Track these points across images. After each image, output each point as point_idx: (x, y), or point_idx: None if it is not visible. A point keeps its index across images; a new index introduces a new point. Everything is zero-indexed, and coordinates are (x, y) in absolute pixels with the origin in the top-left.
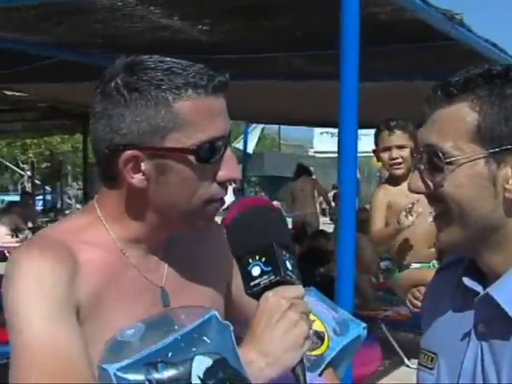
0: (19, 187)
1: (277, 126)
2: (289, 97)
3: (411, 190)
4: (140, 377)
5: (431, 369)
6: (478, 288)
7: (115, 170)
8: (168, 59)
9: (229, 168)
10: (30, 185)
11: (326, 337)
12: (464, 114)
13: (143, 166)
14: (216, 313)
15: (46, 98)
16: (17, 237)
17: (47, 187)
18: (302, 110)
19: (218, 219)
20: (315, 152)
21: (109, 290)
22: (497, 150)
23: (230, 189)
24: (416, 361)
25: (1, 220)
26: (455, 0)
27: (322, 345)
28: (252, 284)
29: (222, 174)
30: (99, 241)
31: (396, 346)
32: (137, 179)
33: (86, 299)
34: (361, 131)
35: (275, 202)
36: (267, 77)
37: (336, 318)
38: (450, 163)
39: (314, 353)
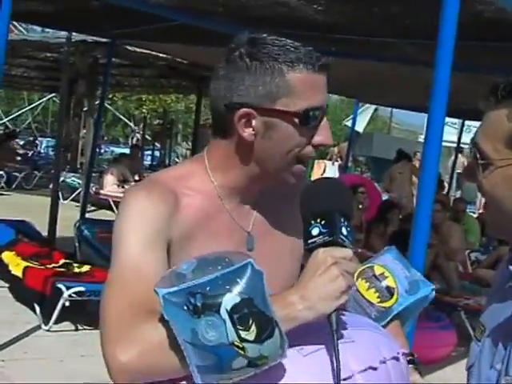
0: (130, 141)
1: (390, 109)
2: (400, 81)
3: (462, 178)
4: (182, 303)
5: (479, 340)
6: None
7: (229, 124)
8: (283, 38)
9: (324, 134)
10: (140, 139)
11: (396, 292)
12: (504, 119)
13: (254, 122)
14: (252, 260)
15: (165, 58)
16: (122, 187)
17: (157, 144)
18: (413, 96)
19: None
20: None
21: (201, 230)
22: None
23: (336, 165)
24: None
25: (110, 169)
26: None
27: (391, 298)
28: (309, 241)
29: (317, 139)
30: (202, 187)
31: (473, 334)
32: (247, 133)
33: (179, 236)
34: (473, 123)
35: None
36: (380, 59)
37: (408, 278)
38: (489, 164)
39: (383, 304)
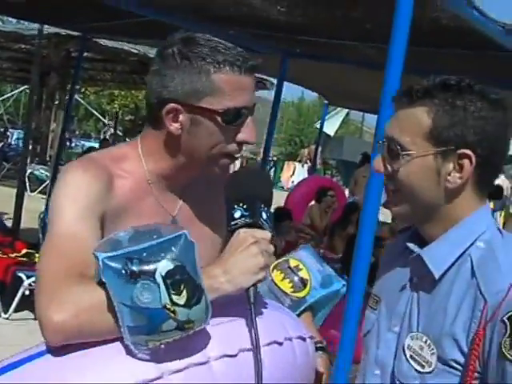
0: (102, 136)
1: (362, 113)
2: (366, 85)
3: (374, 170)
4: (119, 267)
5: (375, 309)
6: (416, 249)
7: (159, 117)
8: (216, 39)
9: (247, 132)
10: (112, 134)
11: (309, 284)
12: (421, 116)
13: (181, 117)
14: (187, 232)
15: (137, 53)
16: None
17: (127, 139)
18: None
19: (285, 193)
20: None
21: (130, 209)
22: (443, 149)
23: (306, 167)
24: None
25: None
26: None
27: (304, 289)
28: (232, 223)
29: (240, 136)
30: (133, 170)
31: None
32: (174, 127)
33: (111, 212)
34: None
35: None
36: (342, 62)
37: (321, 272)
38: (406, 155)
39: (297, 294)
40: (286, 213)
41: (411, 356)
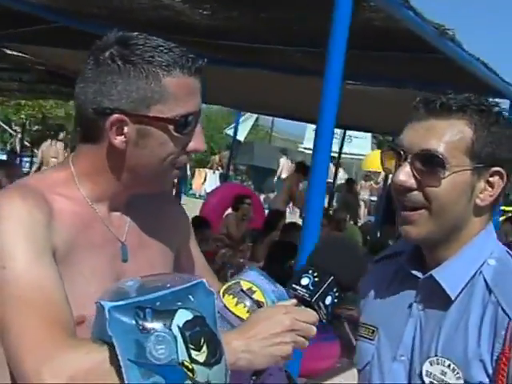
0: (8, 147)
1: (271, 118)
2: (282, 90)
3: (398, 183)
4: (130, 318)
5: (372, 340)
6: (419, 274)
7: (98, 130)
8: (154, 38)
9: (197, 140)
10: (19, 145)
11: (265, 307)
12: (462, 130)
13: (126, 129)
14: (205, 281)
15: (44, 62)
16: None
17: (35, 150)
18: (294, 105)
19: (200, 202)
20: (305, 148)
21: (79, 238)
22: (481, 165)
23: (217, 173)
24: None
25: None
26: (452, 15)
27: None
28: (293, 286)
29: (191, 145)
30: (70, 195)
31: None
32: (118, 141)
33: (61, 243)
34: (353, 133)
35: (262, 196)
36: (262, 67)
37: (275, 292)
38: (446, 169)
39: None
40: (204, 222)
41: (431, 383)
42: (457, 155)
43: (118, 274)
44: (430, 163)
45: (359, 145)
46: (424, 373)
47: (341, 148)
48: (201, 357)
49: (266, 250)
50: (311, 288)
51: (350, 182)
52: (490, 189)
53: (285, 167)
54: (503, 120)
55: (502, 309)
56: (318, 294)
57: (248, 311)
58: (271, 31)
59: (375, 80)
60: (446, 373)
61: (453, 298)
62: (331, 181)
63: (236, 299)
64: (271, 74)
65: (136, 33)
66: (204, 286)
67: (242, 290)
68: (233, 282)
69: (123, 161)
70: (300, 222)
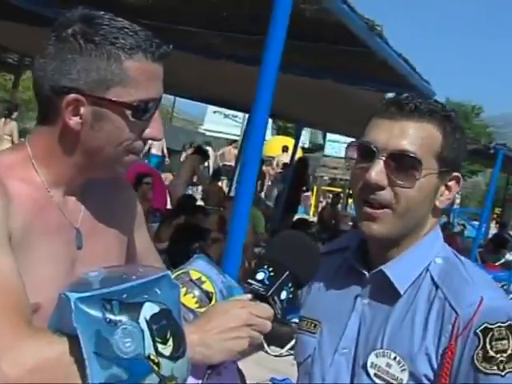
0: None
1: (172, 99)
2: (185, 69)
3: (371, 181)
4: (96, 311)
5: (314, 333)
6: (365, 269)
7: (54, 109)
8: (120, 19)
9: (155, 128)
10: None
11: (214, 297)
12: (433, 134)
13: (82, 110)
14: (170, 273)
15: None
16: None
17: None
18: (197, 85)
19: None
20: (205, 129)
21: (34, 223)
22: (444, 170)
23: None
24: (274, 348)
25: None
26: (380, 11)
27: (209, 303)
28: (249, 280)
29: (148, 132)
30: (27, 178)
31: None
32: (74, 121)
33: (17, 229)
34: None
35: (163, 174)
36: (185, 49)
37: (225, 283)
38: (420, 171)
39: (202, 310)
40: None
41: (376, 374)
42: (428, 158)
43: (72, 261)
44: (406, 164)
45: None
46: (369, 364)
47: (245, 132)
48: (167, 350)
49: (171, 232)
50: (266, 283)
51: None
52: (447, 192)
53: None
54: (461, 126)
55: (450, 304)
56: (274, 288)
57: (197, 301)
58: (194, 14)
59: (295, 69)
60: (391, 365)
61: (402, 293)
62: (233, 164)
63: (185, 289)
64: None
65: (102, 12)
66: (169, 279)
67: (191, 280)
68: (181, 271)
69: (78, 142)
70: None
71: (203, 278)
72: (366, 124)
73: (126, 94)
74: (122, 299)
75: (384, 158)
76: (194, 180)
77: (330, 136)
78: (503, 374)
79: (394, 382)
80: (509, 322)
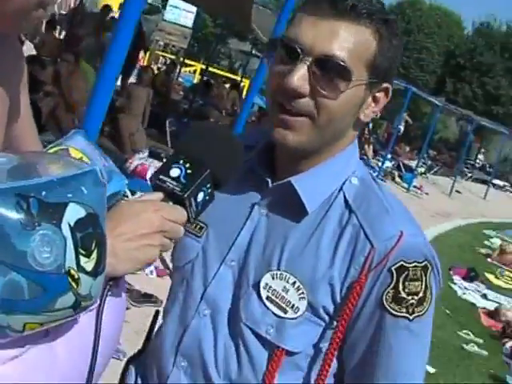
0: None
1: None
2: None
3: (291, 87)
4: (8, 208)
5: (199, 237)
6: (268, 177)
7: None
8: None
9: None
10: None
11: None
12: (367, 39)
13: None
14: (98, 169)
15: None
16: None
17: None
18: None
19: None
20: None
21: None
22: (375, 80)
23: None
24: None
25: None
26: None
27: None
28: (161, 177)
29: None
30: None
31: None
32: None
33: None
34: None
35: None
36: None
37: (106, 168)
38: (347, 82)
39: None
40: None
41: (269, 298)
42: (359, 67)
43: None
44: (333, 72)
45: None
46: (262, 284)
47: None
48: (89, 265)
49: None
50: (183, 181)
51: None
52: (373, 104)
53: None
54: (399, 33)
55: (365, 234)
56: (192, 188)
57: None
58: None
59: None
60: (288, 290)
61: (309, 211)
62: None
63: None
64: None
65: None
66: (96, 175)
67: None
68: (59, 147)
69: None
70: None
71: (84, 159)
72: (291, 18)
73: None
74: (40, 197)
75: (308, 63)
76: None
77: (172, 0)
78: (411, 318)
79: (289, 309)
80: (425, 263)
